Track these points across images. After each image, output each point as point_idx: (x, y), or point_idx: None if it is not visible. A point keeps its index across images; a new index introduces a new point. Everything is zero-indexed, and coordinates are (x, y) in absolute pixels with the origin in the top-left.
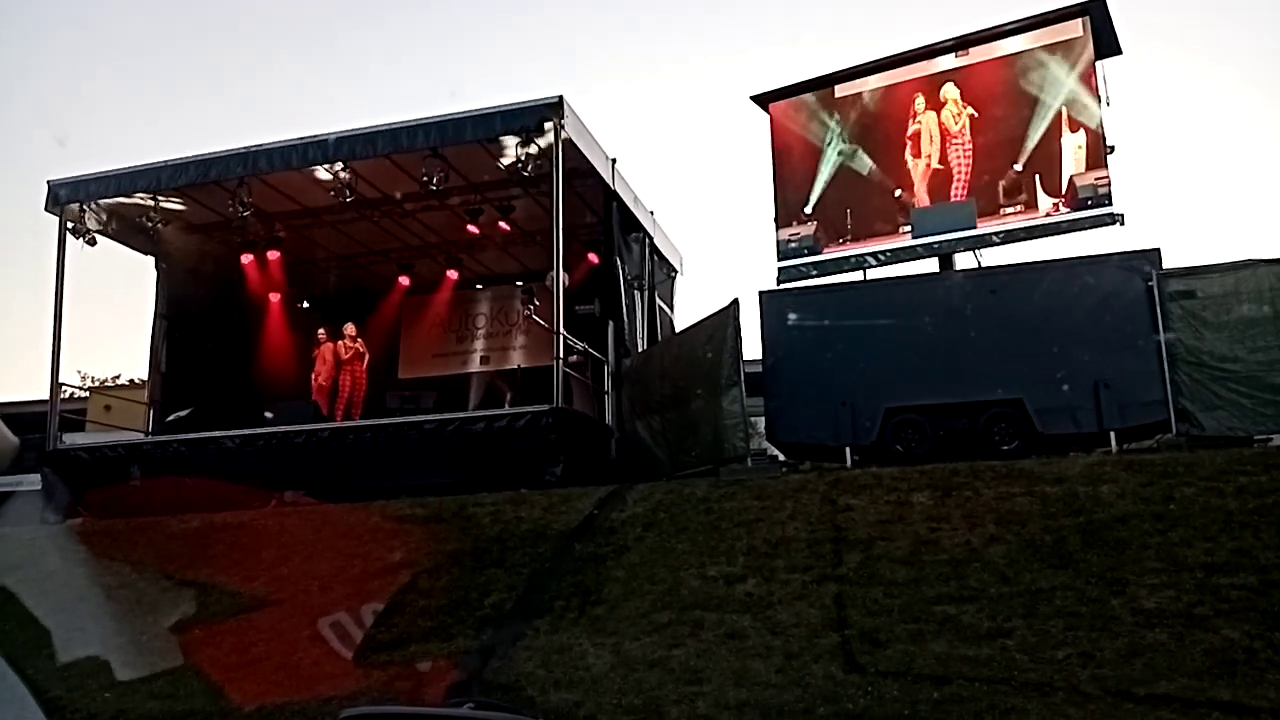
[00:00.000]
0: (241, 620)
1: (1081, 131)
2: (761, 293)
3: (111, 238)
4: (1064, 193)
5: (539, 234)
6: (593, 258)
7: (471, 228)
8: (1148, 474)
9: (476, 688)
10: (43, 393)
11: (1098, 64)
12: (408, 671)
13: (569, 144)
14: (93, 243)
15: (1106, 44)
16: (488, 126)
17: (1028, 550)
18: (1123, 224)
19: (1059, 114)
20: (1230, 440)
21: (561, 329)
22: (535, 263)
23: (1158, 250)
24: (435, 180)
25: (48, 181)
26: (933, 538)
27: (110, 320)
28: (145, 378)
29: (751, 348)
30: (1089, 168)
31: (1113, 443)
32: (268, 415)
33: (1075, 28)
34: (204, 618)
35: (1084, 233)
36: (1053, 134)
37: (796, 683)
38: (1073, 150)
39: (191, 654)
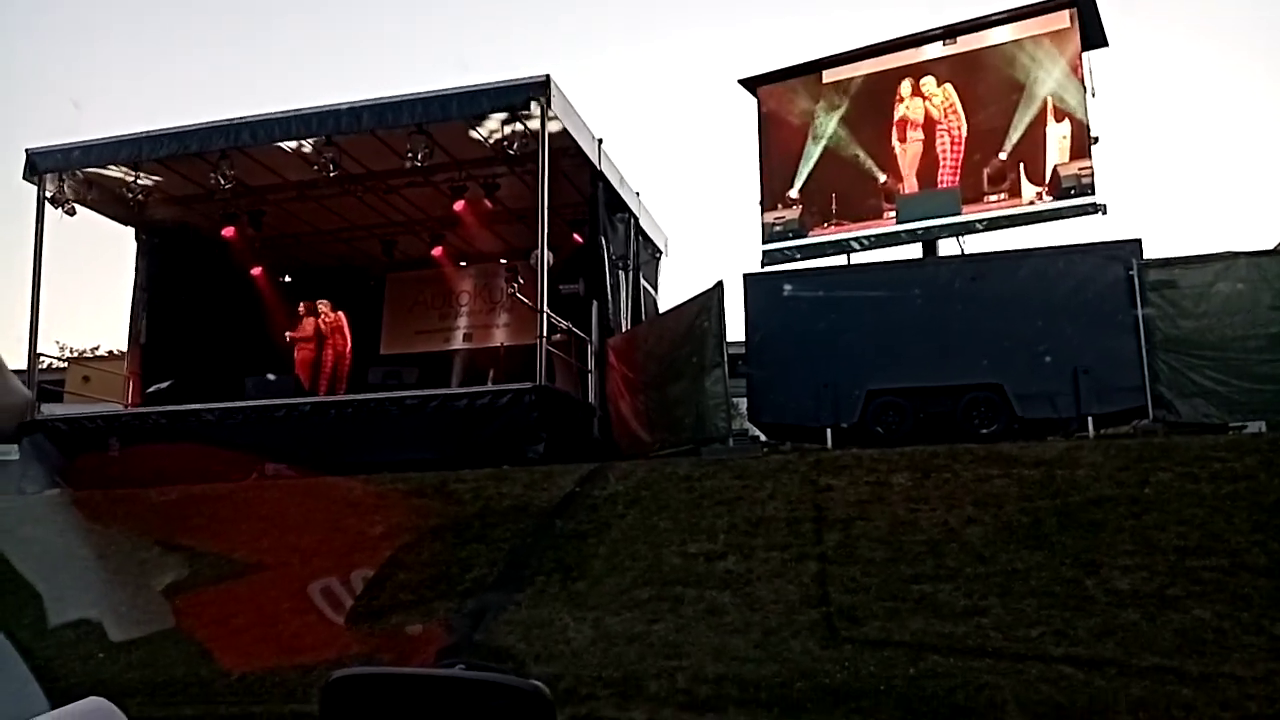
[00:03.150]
0: (222, 590)
1: (1066, 121)
2: (746, 275)
3: (91, 208)
4: (1048, 181)
5: (524, 212)
6: (577, 237)
7: (456, 205)
8: (1124, 458)
9: (466, 652)
10: (20, 363)
11: (1084, 55)
12: (390, 642)
13: (555, 123)
14: (72, 213)
15: (1093, 35)
16: (474, 104)
17: (1004, 531)
18: (1105, 213)
19: (1044, 104)
20: (1205, 427)
21: (545, 307)
22: (520, 241)
23: (1139, 240)
24: (420, 157)
25: (26, 150)
26: (911, 518)
27: (91, 291)
28: (125, 349)
29: (735, 329)
30: (1073, 157)
31: (1090, 427)
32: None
33: (1063, 19)
34: (183, 588)
35: (1067, 221)
36: (1038, 123)
37: (774, 658)
38: (1057, 140)
39: (171, 624)
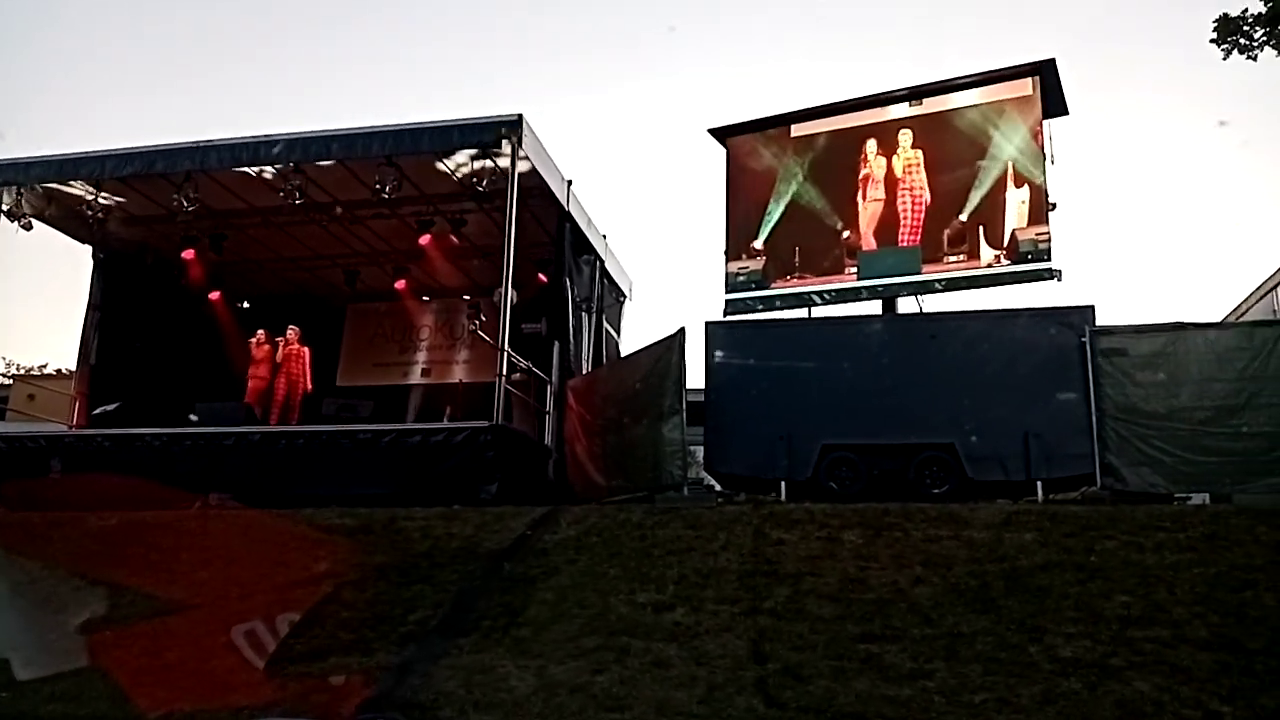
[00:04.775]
0: (155, 624)
1: (1026, 187)
2: (708, 323)
3: (49, 223)
4: (1006, 245)
5: (490, 249)
6: (542, 277)
7: (422, 239)
8: (1071, 525)
9: (391, 704)
10: None
11: (1045, 122)
12: (324, 685)
13: (525, 162)
14: (28, 227)
15: (1054, 103)
16: (444, 139)
17: (952, 593)
18: (1060, 279)
19: (1005, 168)
20: (1151, 496)
21: (506, 346)
22: (484, 278)
23: (1091, 308)
24: (388, 189)
25: None
26: (861, 576)
27: (45, 309)
28: (74, 369)
29: (695, 377)
30: (1031, 223)
31: (1039, 492)
32: (192, 418)
33: (1026, 86)
34: (116, 619)
35: (1023, 285)
36: (998, 187)
37: (718, 714)
38: (1016, 205)
39: (99, 657)
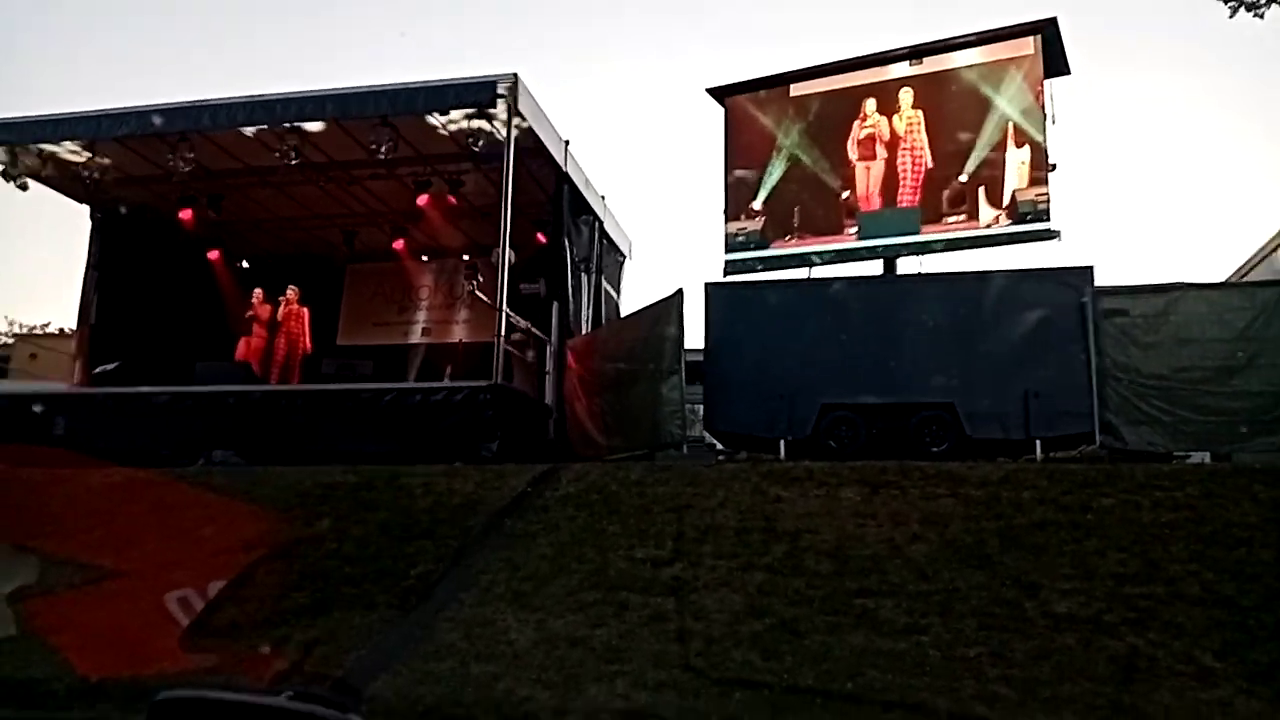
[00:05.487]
0: (159, 580)
1: (1026, 147)
2: (707, 284)
3: (45, 183)
4: (1006, 206)
5: (488, 209)
6: (541, 237)
7: (420, 199)
8: (1068, 483)
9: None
10: None
11: (1046, 82)
12: (326, 638)
13: (522, 122)
14: (24, 187)
15: (1055, 63)
16: (440, 98)
17: (948, 550)
18: (1060, 240)
19: (1005, 128)
20: (1150, 455)
21: (505, 306)
22: (482, 238)
23: (1091, 268)
24: (384, 149)
25: None
26: (858, 533)
27: (47, 268)
28: (74, 328)
29: (695, 336)
30: (1031, 183)
31: (1038, 450)
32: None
33: (1027, 45)
34: (115, 575)
35: (1022, 246)
36: (998, 148)
37: (715, 667)
38: (1016, 165)
39: (91, 612)
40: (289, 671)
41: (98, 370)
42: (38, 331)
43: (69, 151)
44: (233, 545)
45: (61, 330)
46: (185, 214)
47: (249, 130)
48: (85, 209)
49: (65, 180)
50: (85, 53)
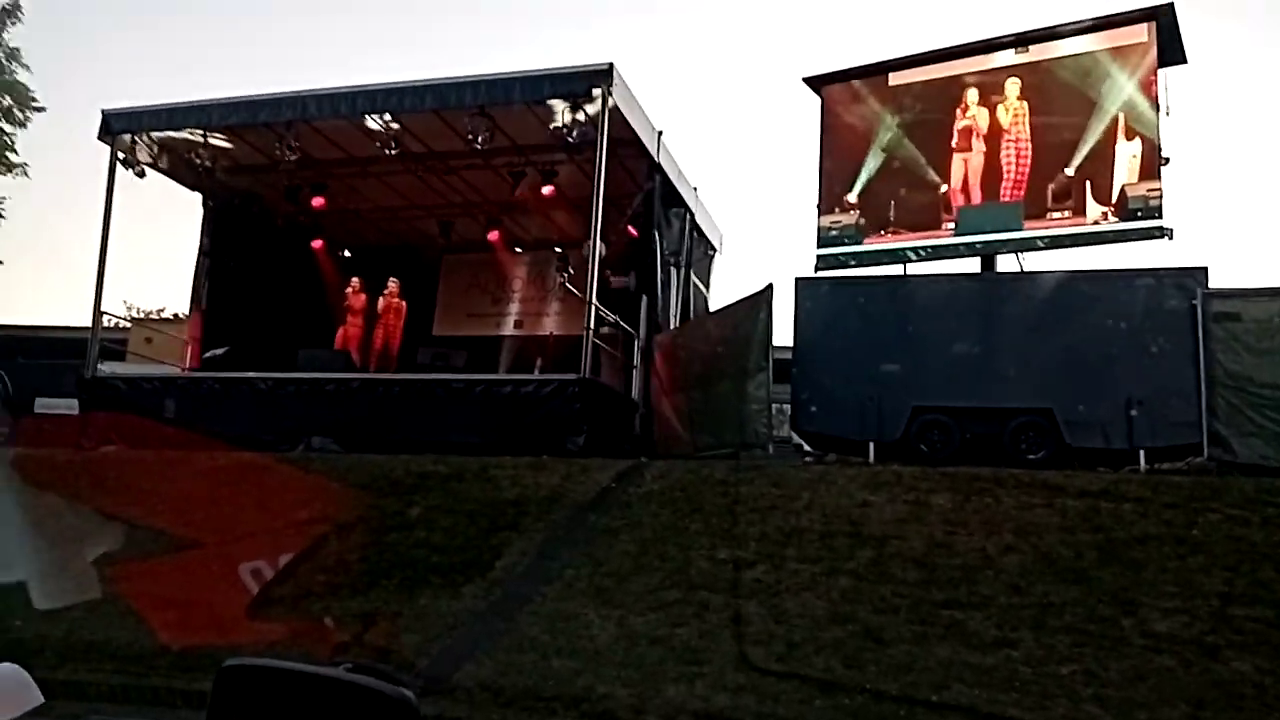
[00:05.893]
0: (260, 561)
1: (1137, 140)
2: (798, 279)
3: (161, 171)
4: (1114, 201)
5: (580, 201)
6: (632, 230)
7: (515, 190)
8: (1173, 496)
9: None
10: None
11: (1160, 72)
12: (416, 623)
13: (615, 113)
14: (141, 174)
15: (1171, 52)
16: (535, 89)
17: (1042, 562)
18: (1172, 238)
19: (1115, 120)
20: (1262, 469)
21: (594, 299)
22: (574, 230)
23: (1205, 269)
24: (481, 139)
25: (102, 110)
26: (948, 541)
27: (163, 254)
28: (187, 313)
29: (784, 334)
30: (1142, 178)
31: (1141, 461)
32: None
33: (1140, 32)
34: (221, 554)
35: (1131, 244)
36: (1107, 140)
37: (796, 673)
38: (1126, 159)
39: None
40: (374, 654)
41: (208, 354)
42: (154, 316)
43: (183, 140)
44: (327, 530)
45: (175, 315)
46: (291, 203)
47: (351, 120)
48: (198, 197)
49: (179, 169)
50: (187, 38)
